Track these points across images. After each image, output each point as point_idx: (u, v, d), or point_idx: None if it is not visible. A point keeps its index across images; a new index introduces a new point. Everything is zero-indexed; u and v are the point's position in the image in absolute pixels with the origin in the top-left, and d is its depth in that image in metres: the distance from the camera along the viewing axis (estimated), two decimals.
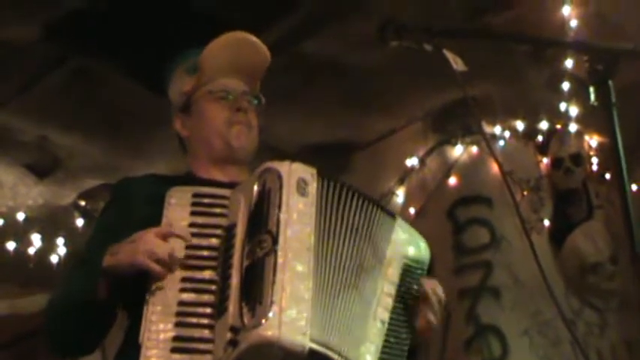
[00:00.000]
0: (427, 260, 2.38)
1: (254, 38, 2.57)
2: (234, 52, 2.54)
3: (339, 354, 2.01)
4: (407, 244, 2.35)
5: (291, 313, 1.94)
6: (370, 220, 2.25)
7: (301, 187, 2.14)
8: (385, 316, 2.21)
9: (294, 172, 2.17)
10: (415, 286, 2.31)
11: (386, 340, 2.19)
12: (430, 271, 2.39)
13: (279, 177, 2.14)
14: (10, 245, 6.34)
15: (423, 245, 2.40)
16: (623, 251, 5.03)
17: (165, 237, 2.13)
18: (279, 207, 2.09)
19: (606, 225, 5.63)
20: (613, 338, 5.53)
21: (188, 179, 2.45)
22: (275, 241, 2.04)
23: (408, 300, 2.28)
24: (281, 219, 2.07)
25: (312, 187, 2.17)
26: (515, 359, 5.17)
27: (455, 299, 5.14)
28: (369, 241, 2.23)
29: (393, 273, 2.28)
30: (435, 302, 2.30)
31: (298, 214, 2.10)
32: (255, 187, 2.17)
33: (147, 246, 2.10)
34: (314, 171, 2.21)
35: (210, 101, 2.53)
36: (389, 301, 2.23)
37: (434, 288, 2.32)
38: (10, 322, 7.16)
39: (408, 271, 2.31)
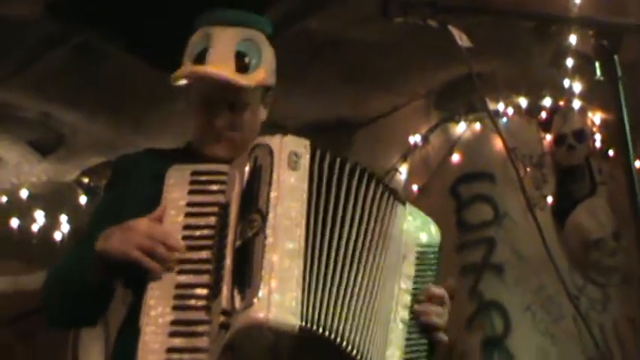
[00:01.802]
0: (438, 241, 2.31)
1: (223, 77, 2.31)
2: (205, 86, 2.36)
3: (340, 335, 1.94)
4: (419, 231, 2.29)
5: (280, 293, 1.90)
6: (370, 192, 2.17)
7: (293, 161, 2.08)
8: (405, 314, 2.14)
9: (285, 146, 2.11)
10: (430, 272, 2.25)
11: (407, 339, 2.13)
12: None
13: (270, 152, 2.09)
14: (14, 222, 6.35)
15: (434, 228, 2.33)
16: (626, 228, 5.04)
17: (159, 221, 2.08)
18: (270, 184, 2.04)
19: (609, 201, 5.63)
20: (615, 314, 5.54)
21: (186, 153, 2.41)
22: (264, 219, 1.99)
23: (421, 288, 2.21)
24: (271, 196, 2.02)
25: (305, 159, 2.10)
26: (517, 335, 5.18)
27: (458, 276, 5.14)
28: (375, 218, 2.16)
29: (409, 267, 2.22)
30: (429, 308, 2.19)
31: (289, 190, 2.04)
32: (248, 164, 2.12)
33: (139, 239, 2.06)
34: (307, 142, 2.15)
35: (196, 105, 2.40)
36: (407, 298, 2.17)
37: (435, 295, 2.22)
38: (13, 299, 7.17)
39: (421, 258, 2.25)
